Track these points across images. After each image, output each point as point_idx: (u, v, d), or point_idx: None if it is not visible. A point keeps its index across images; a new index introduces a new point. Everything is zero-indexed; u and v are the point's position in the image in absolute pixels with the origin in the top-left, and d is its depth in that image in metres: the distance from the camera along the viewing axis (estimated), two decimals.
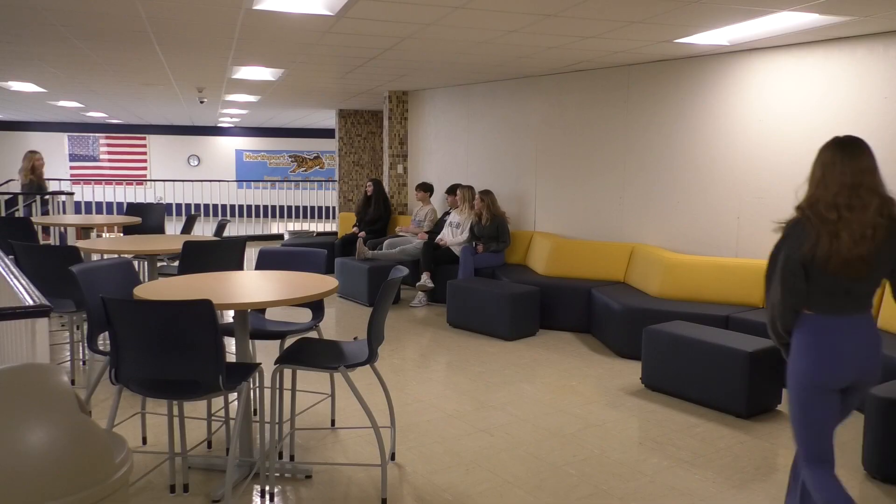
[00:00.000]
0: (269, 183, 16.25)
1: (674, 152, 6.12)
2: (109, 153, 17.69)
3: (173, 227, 9.11)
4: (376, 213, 8.80)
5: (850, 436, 3.81)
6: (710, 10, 4.21)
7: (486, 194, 7.20)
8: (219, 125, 17.33)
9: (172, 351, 2.72)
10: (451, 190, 7.85)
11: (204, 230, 9.03)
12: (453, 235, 7.45)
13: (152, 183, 16.25)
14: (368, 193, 8.90)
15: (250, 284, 3.43)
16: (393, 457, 3.51)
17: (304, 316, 3.92)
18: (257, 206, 15.11)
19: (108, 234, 9.26)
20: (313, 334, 3.73)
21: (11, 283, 2.75)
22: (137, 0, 4.32)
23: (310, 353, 3.24)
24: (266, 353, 4.75)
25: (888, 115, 4.70)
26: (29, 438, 1.72)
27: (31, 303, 2.39)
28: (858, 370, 2.41)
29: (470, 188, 7.53)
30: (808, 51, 5.13)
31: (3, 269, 3.01)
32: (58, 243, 7.31)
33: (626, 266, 6.27)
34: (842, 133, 2.46)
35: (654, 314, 5.14)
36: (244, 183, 16.02)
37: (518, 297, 6.00)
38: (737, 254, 5.60)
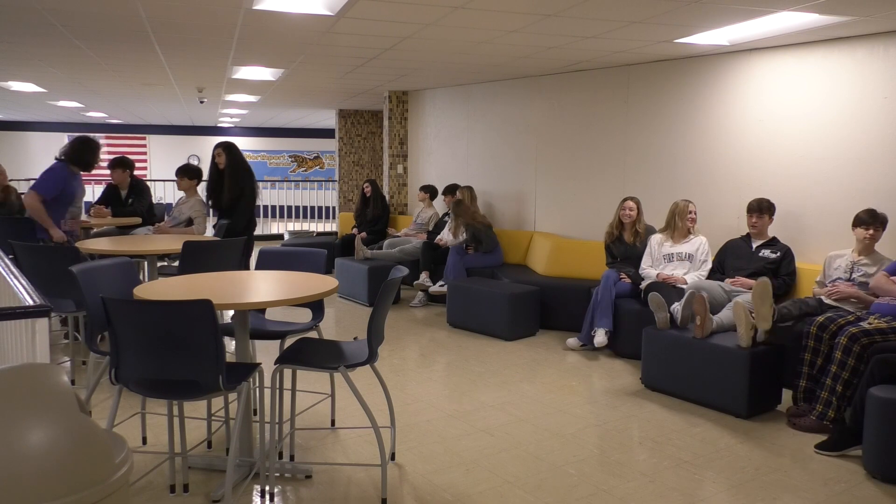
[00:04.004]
0: (269, 183, 16.24)
1: (674, 152, 6.12)
2: (109, 153, 17.68)
3: None
4: (375, 213, 8.81)
5: None
6: (710, 10, 4.22)
7: (457, 205, 7.18)
8: (219, 125, 17.33)
9: (172, 351, 2.72)
10: (450, 190, 7.85)
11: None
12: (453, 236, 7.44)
13: (152, 183, 16.23)
14: (367, 194, 8.90)
15: (250, 284, 3.43)
16: (393, 457, 3.51)
17: (304, 316, 3.92)
18: (257, 206, 15.10)
19: None
20: (313, 334, 3.72)
21: (11, 283, 2.75)
22: (138, 0, 4.33)
23: (310, 353, 3.24)
24: (266, 353, 4.74)
25: (888, 115, 4.70)
26: (29, 438, 1.72)
27: (31, 303, 2.39)
28: None
29: (469, 189, 7.51)
30: (808, 51, 5.13)
31: (3, 269, 3.00)
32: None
33: None
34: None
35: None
36: None
37: (518, 297, 6.00)
38: None
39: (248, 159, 6.11)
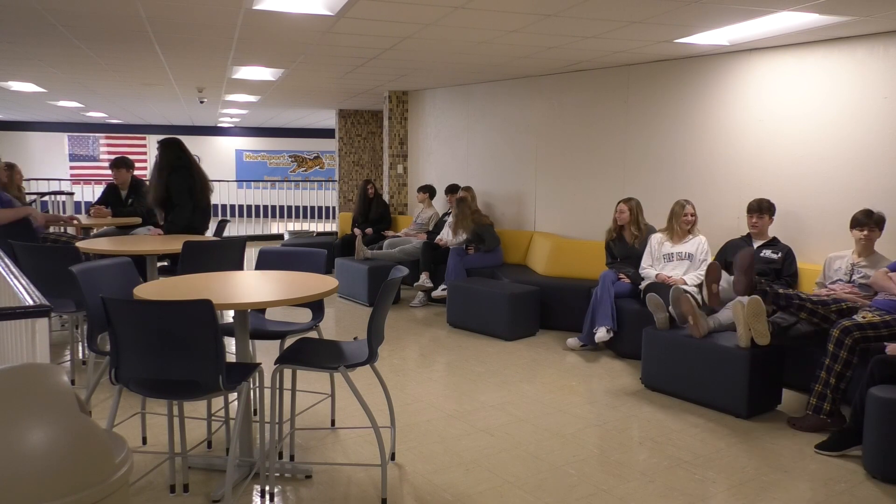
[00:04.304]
0: (269, 183, 16.24)
1: (674, 152, 6.12)
2: (109, 153, 17.68)
3: None
4: (378, 213, 8.83)
5: None
6: (710, 10, 4.22)
7: (461, 202, 7.19)
8: (219, 125, 17.32)
9: (172, 351, 2.72)
10: (452, 189, 7.86)
11: None
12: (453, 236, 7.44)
13: None
14: (371, 194, 8.92)
15: (250, 284, 3.43)
16: (393, 457, 3.51)
17: (304, 316, 3.92)
18: (257, 206, 15.10)
19: None
20: (313, 334, 3.73)
21: (11, 283, 2.75)
22: (138, 0, 4.33)
23: (310, 353, 3.24)
24: (266, 353, 4.75)
25: (888, 115, 4.70)
26: (29, 438, 1.72)
27: (31, 303, 2.39)
28: None
29: (468, 189, 7.52)
30: (808, 51, 5.13)
31: (3, 269, 3.00)
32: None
33: None
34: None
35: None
36: (244, 183, 16.01)
37: (518, 297, 6.00)
38: None
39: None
